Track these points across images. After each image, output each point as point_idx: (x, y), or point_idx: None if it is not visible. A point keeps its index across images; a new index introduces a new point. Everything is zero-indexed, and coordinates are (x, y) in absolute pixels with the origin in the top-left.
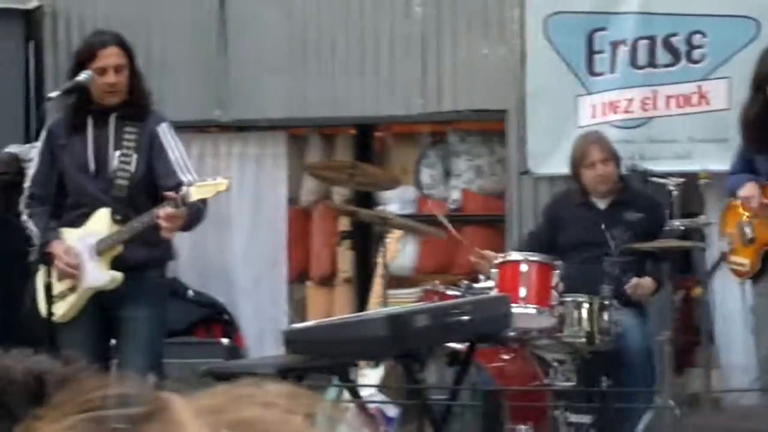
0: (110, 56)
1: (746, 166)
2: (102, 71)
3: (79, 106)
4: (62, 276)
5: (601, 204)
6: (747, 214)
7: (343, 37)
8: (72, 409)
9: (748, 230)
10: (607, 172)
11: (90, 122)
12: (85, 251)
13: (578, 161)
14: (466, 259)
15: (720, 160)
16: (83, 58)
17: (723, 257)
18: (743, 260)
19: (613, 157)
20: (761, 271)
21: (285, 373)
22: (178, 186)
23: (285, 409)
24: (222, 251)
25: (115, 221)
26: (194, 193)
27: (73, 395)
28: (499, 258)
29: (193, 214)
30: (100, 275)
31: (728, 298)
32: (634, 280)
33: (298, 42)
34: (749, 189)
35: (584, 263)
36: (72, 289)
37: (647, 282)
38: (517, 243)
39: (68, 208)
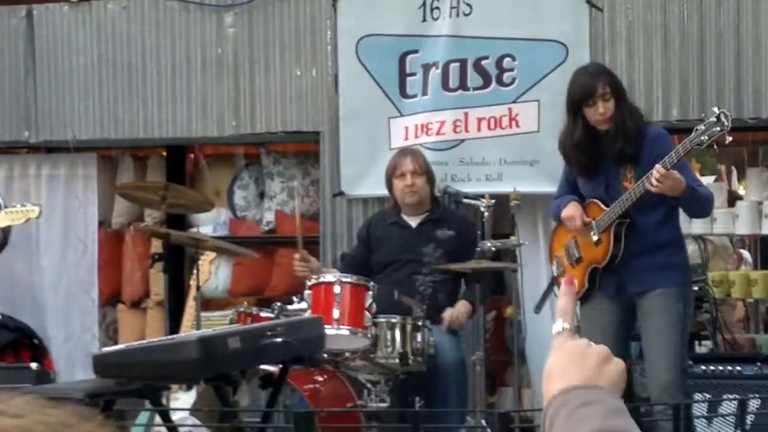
0: None
1: (571, 190)
2: None
3: None
4: None
5: (413, 222)
6: (572, 234)
7: (154, 58)
8: None
9: (574, 250)
10: (416, 183)
11: None
12: None
13: (391, 172)
14: (280, 281)
15: (530, 182)
16: None
17: (554, 281)
18: None
19: (426, 173)
20: (588, 291)
21: (95, 397)
22: None
23: (34, 420)
24: (31, 274)
25: None
26: (2, 219)
27: None
28: (313, 279)
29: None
30: None
31: (539, 317)
32: (447, 317)
33: (108, 62)
34: (571, 209)
35: (398, 283)
36: None
37: (462, 308)
38: (332, 264)
39: None
